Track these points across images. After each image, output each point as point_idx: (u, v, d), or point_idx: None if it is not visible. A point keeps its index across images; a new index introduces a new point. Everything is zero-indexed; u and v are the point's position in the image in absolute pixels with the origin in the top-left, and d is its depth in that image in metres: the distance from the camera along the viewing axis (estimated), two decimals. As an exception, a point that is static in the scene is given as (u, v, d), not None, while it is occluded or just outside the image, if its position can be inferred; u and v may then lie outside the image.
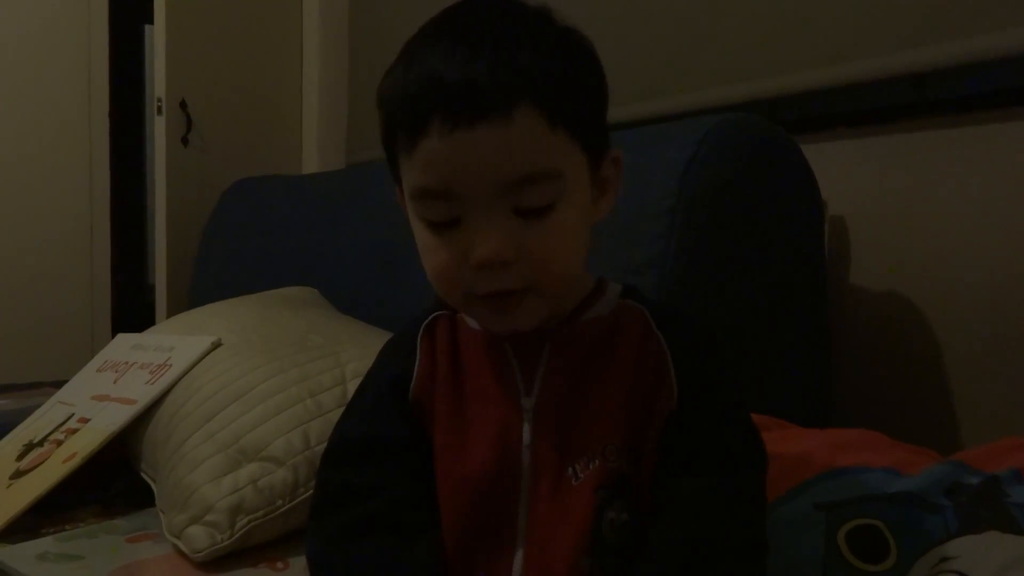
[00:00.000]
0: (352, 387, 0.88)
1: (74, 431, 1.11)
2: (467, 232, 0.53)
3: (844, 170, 1.12)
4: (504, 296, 0.54)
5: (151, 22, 2.02)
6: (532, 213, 0.52)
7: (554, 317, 0.59)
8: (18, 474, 1.07)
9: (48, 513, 1.00)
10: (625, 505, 0.55)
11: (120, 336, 1.39)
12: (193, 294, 1.92)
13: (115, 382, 1.20)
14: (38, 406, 1.27)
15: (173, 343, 1.19)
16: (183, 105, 1.98)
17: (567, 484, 0.56)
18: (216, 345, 1.12)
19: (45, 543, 0.93)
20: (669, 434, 0.56)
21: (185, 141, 2.00)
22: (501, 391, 0.59)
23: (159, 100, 1.97)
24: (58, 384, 1.33)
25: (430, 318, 0.63)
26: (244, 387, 0.99)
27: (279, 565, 0.87)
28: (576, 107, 0.53)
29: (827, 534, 0.63)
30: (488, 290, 0.54)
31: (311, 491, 0.76)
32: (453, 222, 0.53)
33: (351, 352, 1.06)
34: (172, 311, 1.92)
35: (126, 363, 1.24)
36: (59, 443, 1.10)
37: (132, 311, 2.58)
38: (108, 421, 1.09)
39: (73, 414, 1.16)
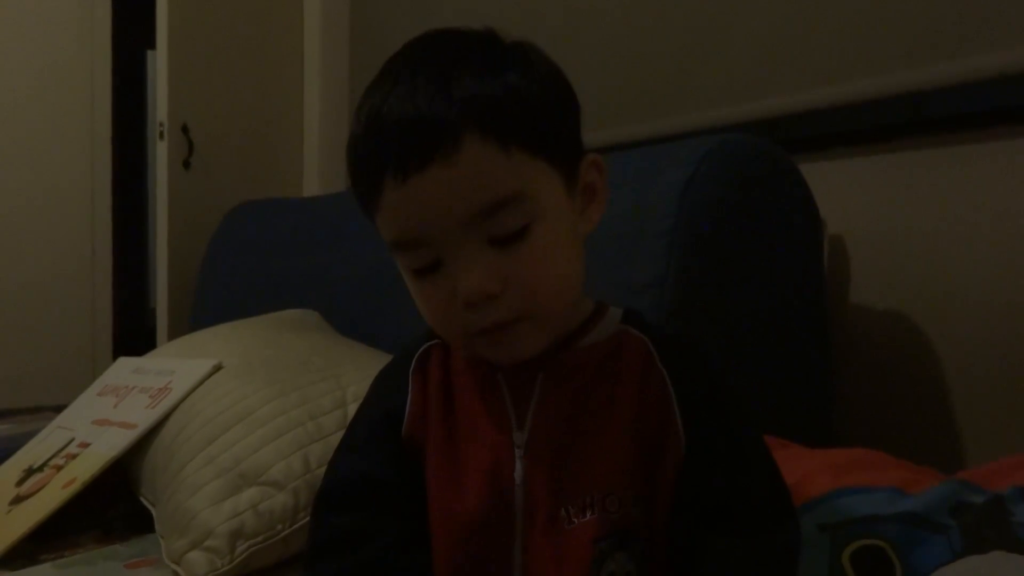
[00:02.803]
0: (352, 410, 0.88)
1: (74, 456, 1.11)
2: (450, 273, 0.52)
3: (843, 189, 1.13)
4: (498, 329, 0.52)
5: (153, 47, 2.04)
6: (508, 240, 0.51)
7: (554, 343, 0.56)
8: (18, 500, 1.07)
9: (47, 539, 0.99)
10: (630, 557, 0.52)
11: (121, 360, 1.39)
12: (194, 317, 1.92)
13: (115, 406, 1.20)
14: (39, 431, 1.27)
15: (174, 367, 1.19)
16: (185, 129, 2.00)
17: (561, 526, 0.53)
18: (217, 368, 1.11)
19: (44, 570, 0.93)
20: (684, 483, 0.53)
21: (187, 165, 2.01)
22: (493, 425, 0.56)
23: (161, 124, 1.98)
24: (59, 409, 1.33)
25: (423, 348, 0.62)
26: (245, 410, 0.99)
27: (279, 590, 0.86)
28: (530, 123, 0.52)
29: (831, 555, 0.62)
30: (481, 326, 0.52)
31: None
32: (435, 265, 0.52)
33: (352, 375, 1.05)
34: (173, 334, 1.92)
35: (127, 387, 1.24)
36: (59, 468, 1.10)
37: (133, 335, 2.58)
38: (108, 446, 1.08)
39: (73, 439, 1.16)
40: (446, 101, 0.50)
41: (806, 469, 0.71)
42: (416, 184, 0.50)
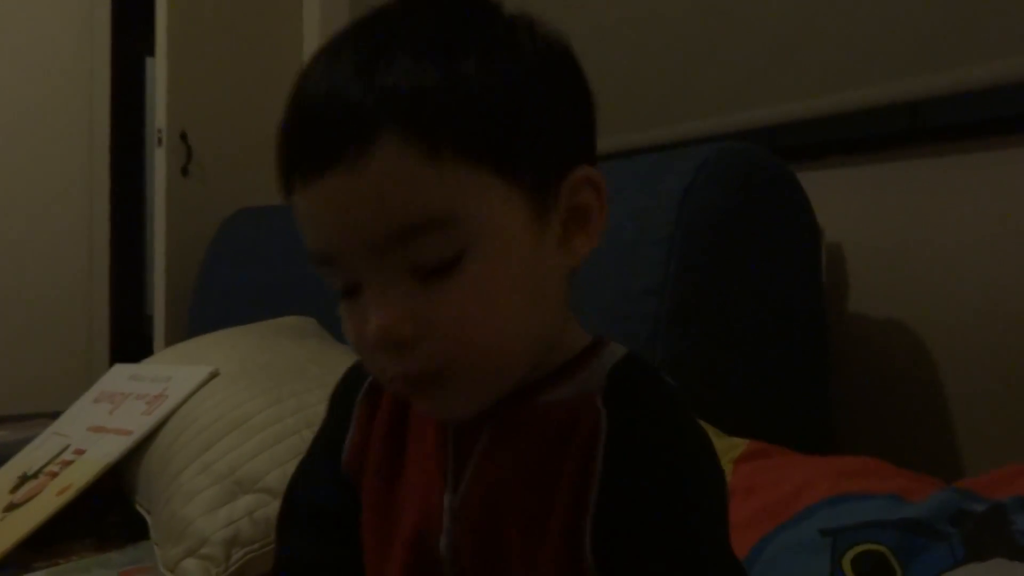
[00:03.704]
0: (350, 417, 0.87)
1: (69, 463, 1.10)
2: (365, 301, 0.41)
3: (841, 197, 1.13)
4: (417, 382, 0.42)
5: (152, 54, 2.04)
6: (433, 273, 0.40)
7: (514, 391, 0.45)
8: (12, 506, 1.06)
9: (41, 546, 0.99)
10: None
11: (117, 366, 1.38)
12: (191, 324, 1.91)
13: (111, 413, 1.19)
14: (34, 437, 1.26)
15: (170, 373, 1.19)
16: (183, 136, 2.00)
17: None
18: (213, 375, 1.11)
19: (38, 577, 0.92)
20: None
21: (185, 172, 2.01)
22: (426, 482, 0.47)
23: (159, 131, 1.98)
24: (54, 415, 1.33)
25: None
26: (241, 417, 0.99)
27: (275, 599, 0.86)
28: (476, 124, 0.40)
29: (832, 559, 0.62)
30: (392, 373, 0.42)
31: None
32: (354, 288, 0.42)
33: (349, 382, 1.05)
34: (170, 341, 1.91)
35: (122, 394, 1.23)
36: (54, 475, 1.09)
37: (130, 341, 2.57)
38: (103, 453, 1.08)
39: (69, 445, 1.15)
40: (363, 88, 0.39)
41: (806, 475, 0.71)
42: (318, 191, 0.40)
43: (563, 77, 0.45)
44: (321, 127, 0.40)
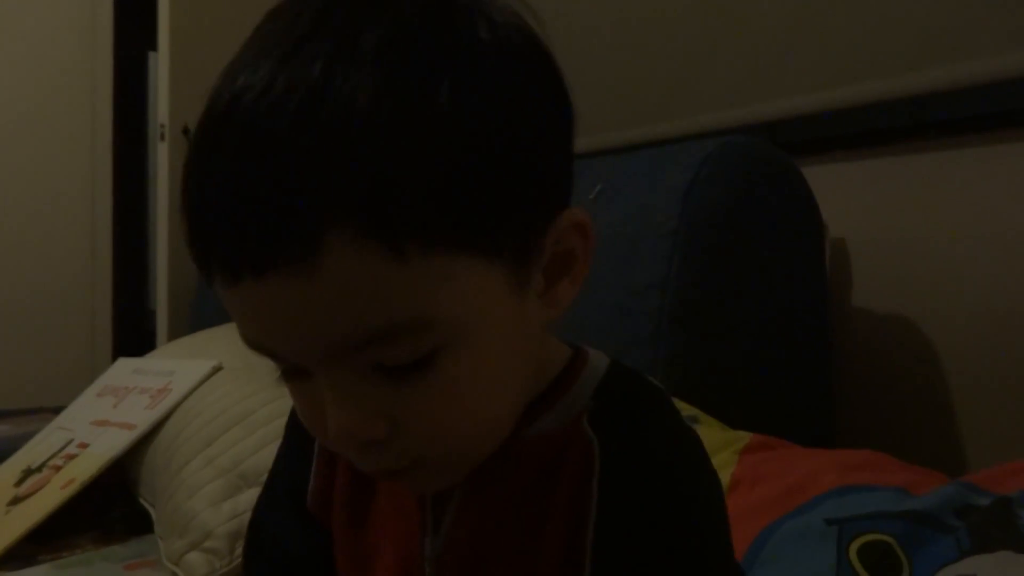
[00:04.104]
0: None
1: (73, 456, 1.11)
2: (319, 390, 0.35)
3: (844, 192, 1.13)
4: (386, 473, 0.38)
5: (155, 49, 2.04)
6: (403, 371, 0.34)
7: None
8: (16, 500, 1.07)
9: (45, 540, 0.99)
10: None
11: (120, 361, 1.39)
12: (194, 319, 1.92)
13: (115, 407, 1.20)
14: (38, 431, 1.26)
15: (173, 368, 1.19)
16: (186, 131, 1.99)
17: None
18: (216, 369, 1.11)
19: (42, 570, 0.92)
20: None
21: (187, 166, 2.01)
22: (404, 526, 0.43)
23: (162, 126, 1.98)
24: (58, 409, 1.33)
25: None
26: (244, 411, 0.99)
27: (279, 592, 0.86)
28: (462, 200, 0.32)
29: (838, 549, 0.62)
30: (360, 464, 0.38)
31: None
32: (304, 372, 0.36)
33: (352, 376, 1.05)
34: (173, 336, 1.92)
35: (126, 388, 1.24)
36: (58, 469, 1.09)
37: (133, 336, 2.57)
38: (107, 446, 1.08)
39: (72, 439, 1.16)
40: (303, 160, 0.30)
41: (812, 467, 0.71)
42: (252, 293, 0.32)
43: (548, 98, 0.37)
44: (251, 212, 0.31)
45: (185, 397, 1.08)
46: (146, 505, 1.04)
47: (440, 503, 0.42)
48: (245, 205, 0.31)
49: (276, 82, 0.31)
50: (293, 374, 0.36)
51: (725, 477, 0.74)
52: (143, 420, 1.09)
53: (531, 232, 0.36)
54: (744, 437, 0.80)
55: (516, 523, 0.40)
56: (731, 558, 0.42)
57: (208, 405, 1.03)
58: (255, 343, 0.35)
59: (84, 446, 1.12)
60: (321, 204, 0.30)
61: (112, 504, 1.09)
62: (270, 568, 0.50)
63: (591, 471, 0.38)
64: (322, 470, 0.47)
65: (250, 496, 0.89)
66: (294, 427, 0.50)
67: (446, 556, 0.41)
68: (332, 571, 0.47)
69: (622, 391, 0.41)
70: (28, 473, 1.13)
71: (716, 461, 0.75)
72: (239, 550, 0.86)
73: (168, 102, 1.96)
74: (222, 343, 1.22)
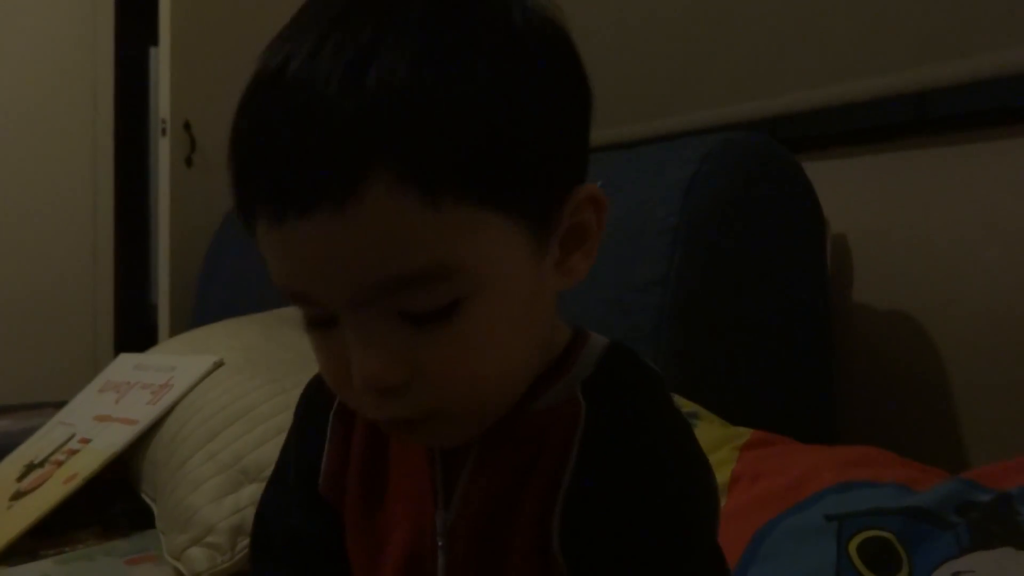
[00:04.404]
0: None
1: (75, 452, 1.11)
2: (344, 336, 0.37)
3: (846, 188, 1.12)
4: (403, 423, 0.39)
5: (156, 44, 2.04)
6: (426, 318, 0.36)
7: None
8: (18, 495, 1.07)
9: (48, 534, 0.99)
10: None
11: (122, 356, 1.39)
12: (196, 314, 1.92)
13: (117, 402, 1.20)
14: (40, 427, 1.27)
15: (175, 363, 1.19)
16: (187, 126, 1.99)
17: None
18: (218, 365, 1.11)
19: (44, 565, 0.93)
20: None
21: (189, 162, 2.01)
22: (416, 500, 0.44)
23: (163, 121, 1.98)
24: (60, 405, 1.33)
25: None
26: (246, 407, 0.99)
27: (280, 587, 0.86)
28: (495, 157, 0.35)
29: (838, 544, 0.62)
30: (377, 417, 0.40)
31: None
32: (330, 321, 0.38)
33: (353, 372, 1.05)
34: (175, 331, 1.92)
35: (128, 383, 1.24)
36: (60, 464, 1.10)
37: (135, 331, 2.57)
38: (109, 442, 1.08)
39: (74, 434, 1.16)
40: (351, 109, 0.33)
41: (812, 464, 0.71)
42: (293, 232, 0.34)
43: (572, 81, 0.40)
44: (298, 158, 0.34)
45: (187, 393, 1.08)
46: (148, 500, 1.04)
47: (451, 479, 0.43)
48: (295, 145, 0.34)
49: (325, 47, 0.34)
50: (319, 323, 0.39)
51: (725, 473, 0.74)
52: (145, 415, 1.09)
53: (551, 199, 0.39)
54: (744, 433, 0.80)
55: (520, 494, 0.41)
56: (711, 538, 0.43)
57: (210, 401, 1.03)
58: (288, 287, 0.37)
59: (86, 441, 1.12)
60: (365, 147, 0.33)
61: (114, 499, 1.10)
62: (280, 553, 0.50)
63: (573, 431, 0.40)
64: (335, 452, 0.48)
65: (252, 491, 0.90)
66: (306, 410, 0.51)
67: (457, 529, 0.43)
68: (342, 555, 0.48)
69: (617, 366, 0.43)
70: (30, 468, 1.13)
71: (716, 457, 0.76)
72: (241, 545, 0.86)
73: (169, 97, 1.96)
74: (223, 339, 1.22)
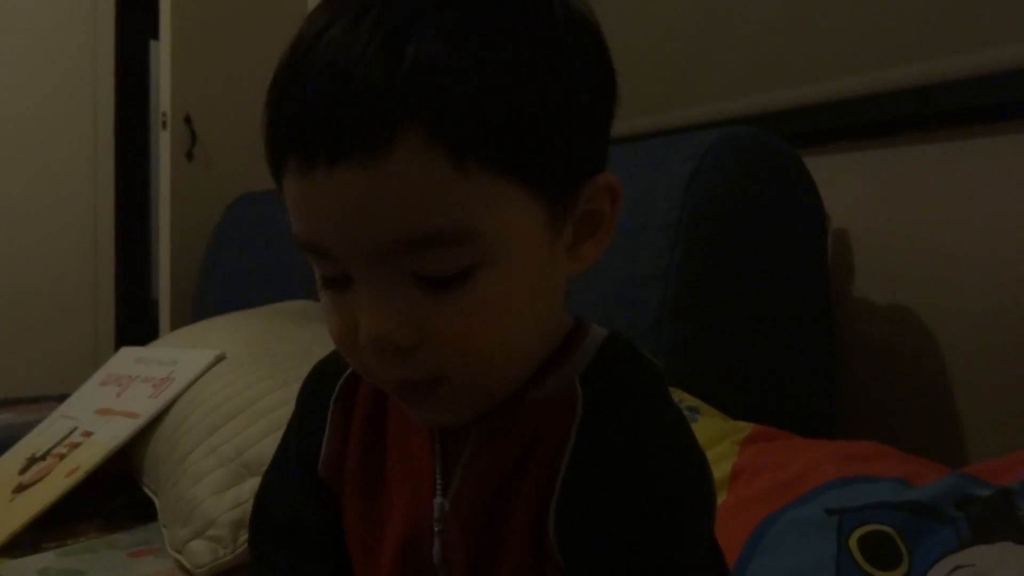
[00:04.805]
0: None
1: (77, 445, 1.11)
2: (357, 296, 0.38)
3: (847, 183, 1.12)
4: (407, 387, 0.40)
5: (156, 37, 2.04)
6: (439, 282, 0.37)
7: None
8: (20, 488, 1.07)
9: (50, 527, 0.99)
10: None
11: (124, 350, 1.39)
12: (197, 308, 1.92)
13: (118, 396, 1.20)
14: (41, 420, 1.27)
15: (176, 357, 1.19)
16: (188, 120, 1.99)
17: None
18: (220, 359, 1.12)
19: (46, 558, 0.93)
20: None
21: (190, 155, 2.01)
22: (414, 486, 0.45)
23: (164, 115, 1.98)
24: (61, 398, 1.33)
25: (352, 370, 0.47)
26: (247, 401, 0.99)
27: (282, 580, 0.86)
28: (521, 130, 0.36)
29: (839, 539, 0.62)
30: (383, 378, 0.40)
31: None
32: (344, 279, 0.39)
33: (354, 365, 1.05)
34: (175, 325, 1.92)
35: (129, 377, 1.24)
36: (62, 457, 1.10)
37: (136, 325, 2.58)
38: (111, 435, 1.08)
39: (76, 428, 1.16)
40: (388, 69, 0.34)
41: (813, 458, 0.71)
42: (320, 181, 0.35)
43: (601, 73, 0.41)
44: (334, 108, 0.34)
45: (188, 386, 1.08)
46: (150, 493, 1.04)
47: (448, 463, 0.44)
48: (331, 95, 0.35)
49: (366, 17, 0.35)
50: (333, 281, 0.39)
51: (726, 467, 0.74)
52: (146, 409, 1.10)
53: (571, 182, 0.40)
54: (745, 428, 0.80)
55: (517, 482, 0.42)
56: (707, 529, 0.43)
57: (211, 394, 1.03)
58: (307, 242, 0.38)
59: (88, 435, 1.12)
60: (400, 103, 0.34)
61: (116, 492, 1.10)
62: (278, 535, 0.51)
63: (572, 419, 0.41)
64: (335, 437, 0.48)
65: (253, 485, 0.90)
66: (308, 396, 0.52)
67: (453, 515, 0.43)
68: (340, 540, 0.48)
69: (615, 358, 0.44)
70: (32, 461, 1.13)
71: (717, 451, 0.76)
72: (242, 539, 0.86)
73: (170, 90, 1.96)
74: (225, 333, 1.22)
